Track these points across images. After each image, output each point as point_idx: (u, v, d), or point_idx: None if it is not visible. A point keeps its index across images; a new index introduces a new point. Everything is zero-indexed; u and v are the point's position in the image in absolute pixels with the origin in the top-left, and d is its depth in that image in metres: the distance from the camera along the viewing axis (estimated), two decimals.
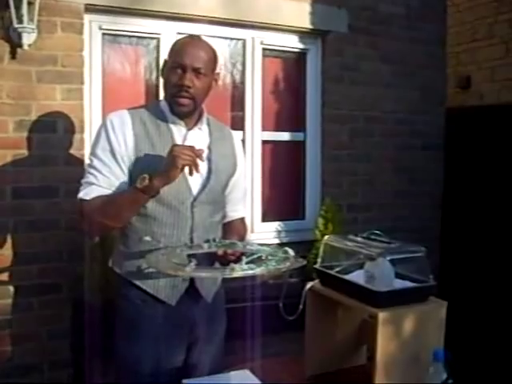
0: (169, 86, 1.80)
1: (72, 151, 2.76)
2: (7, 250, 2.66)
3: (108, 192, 1.73)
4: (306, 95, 3.52)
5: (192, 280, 1.81)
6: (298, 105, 3.53)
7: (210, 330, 1.92)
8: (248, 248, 1.79)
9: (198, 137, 1.86)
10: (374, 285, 1.54)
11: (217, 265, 1.77)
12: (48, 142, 2.71)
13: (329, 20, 3.43)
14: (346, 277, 1.67)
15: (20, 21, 2.50)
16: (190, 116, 1.83)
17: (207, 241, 1.77)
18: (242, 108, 3.33)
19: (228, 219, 2.01)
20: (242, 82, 3.33)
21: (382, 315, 1.48)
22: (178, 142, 1.80)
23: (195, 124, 1.86)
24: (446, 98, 3.97)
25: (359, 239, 1.71)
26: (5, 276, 2.67)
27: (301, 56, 3.51)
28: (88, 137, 2.80)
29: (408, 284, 1.61)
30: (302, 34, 3.43)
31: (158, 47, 3.05)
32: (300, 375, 1.79)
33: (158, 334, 1.78)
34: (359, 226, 3.48)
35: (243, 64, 3.32)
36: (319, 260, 1.78)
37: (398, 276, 1.61)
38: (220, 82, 3.16)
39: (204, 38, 1.91)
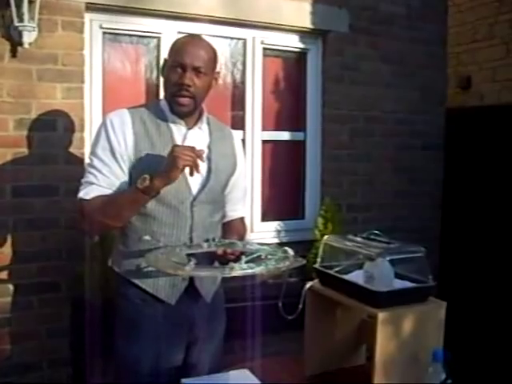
0: (169, 85, 1.80)
1: (72, 150, 2.76)
2: (7, 249, 2.66)
3: (108, 192, 1.73)
4: (306, 95, 3.52)
5: (191, 279, 1.81)
6: (298, 104, 3.53)
7: (210, 329, 1.92)
8: (247, 247, 1.79)
9: (198, 136, 1.86)
10: (373, 285, 1.54)
11: (216, 264, 1.77)
12: (48, 140, 2.71)
13: (329, 20, 3.43)
14: (346, 277, 1.67)
15: (21, 19, 2.50)
16: (190, 115, 1.83)
17: (207, 240, 1.77)
18: (243, 107, 3.33)
19: (228, 219, 2.01)
20: (243, 82, 3.33)
21: (381, 315, 1.48)
22: (178, 141, 1.80)
23: (195, 123, 1.86)
24: (447, 99, 3.97)
25: (359, 239, 1.71)
26: (4, 274, 2.67)
27: (301, 56, 3.51)
28: (88, 135, 2.80)
29: (407, 284, 1.61)
30: (303, 33, 3.43)
31: (158, 46, 3.05)
32: (299, 375, 1.79)
33: (158, 333, 1.78)
34: (359, 225, 3.48)
35: (244, 63, 3.32)
36: (319, 260, 1.78)
37: (398, 276, 1.61)
38: (220, 82, 3.16)
39: (204, 37, 1.91)
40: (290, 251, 1.71)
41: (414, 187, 3.78)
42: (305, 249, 3.00)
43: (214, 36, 3.06)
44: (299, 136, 3.53)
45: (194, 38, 1.87)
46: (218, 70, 1.89)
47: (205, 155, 1.74)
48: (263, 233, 3.36)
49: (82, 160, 2.73)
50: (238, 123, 3.30)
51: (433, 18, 3.81)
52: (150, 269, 1.75)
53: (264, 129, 3.39)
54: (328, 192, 3.45)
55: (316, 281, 1.77)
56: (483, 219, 4.01)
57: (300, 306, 1.73)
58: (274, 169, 3.49)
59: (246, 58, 3.31)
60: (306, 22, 3.36)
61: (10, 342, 2.68)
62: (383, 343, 1.49)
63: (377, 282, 1.53)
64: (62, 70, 2.72)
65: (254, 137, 3.34)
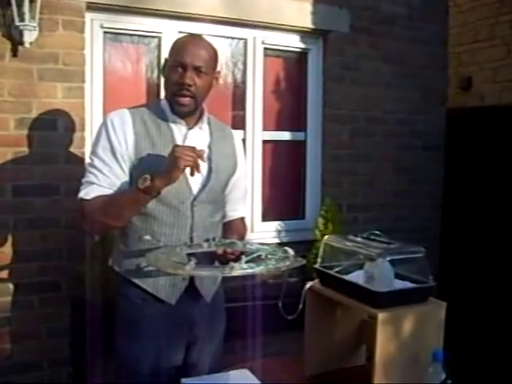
0: (169, 84, 1.80)
1: (72, 149, 2.76)
2: (7, 248, 2.66)
3: (109, 191, 1.73)
4: (306, 95, 3.52)
5: (192, 279, 1.81)
6: (298, 104, 3.54)
7: (210, 329, 1.92)
8: (248, 247, 1.79)
9: (198, 136, 1.86)
10: (373, 285, 1.54)
11: (216, 264, 1.77)
12: (49, 139, 2.71)
13: (330, 20, 3.43)
14: (346, 277, 1.67)
15: (22, 19, 2.50)
16: (190, 115, 1.83)
17: (207, 240, 1.77)
18: (243, 107, 3.33)
19: (228, 219, 2.01)
20: (243, 82, 3.33)
21: (381, 316, 1.48)
22: (179, 141, 1.80)
23: (196, 123, 1.86)
24: (447, 99, 3.97)
25: (359, 239, 1.71)
26: (5, 273, 2.67)
27: (302, 56, 3.51)
28: (89, 135, 2.81)
29: (408, 284, 1.61)
30: (304, 33, 3.43)
31: (159, 46, 3.05)
32: (299, 375, 1.79)
33: (158, 333, 1.79)
34: (359, 225, 3.48)
35: (244, 63, 3.32)
36: (319, 260, 1.79)
37: (398, 276, 1.61)
38: (221, 82, 3.16)
39: (205, 37, 1.91)
40: (291, 251, 1.71)
41: (415, 187, 3.78)
42: (305, 249, 3.01)
43: (214, 36, 3.06)
44: (300, 136, 3.53)
45: (194, 38, 1.87)
46: (218, 69, 1.89)
47: (205, 155, 1.74)
48: (263, 233, 3.36)
49: (82, 159, 2.73)
50: (239, 123, 3.30)
51: (434, 19, 3.81)
52: (150, 268, 1.75)
53: (264, 129, 3.39)
54: (328, 192, 3.45)
55: (316, 281, 1.77)
56: (483, 219, 4.01)
57: (300, 306, 1.73)
58: (274, 169, 3.49)
59: (246, 58, 3.31)
60: (306, 22, 3.36)
61: (10, 342, 2.68)
62: (383, 343, 1.49)
63: (377, 283, 1.53)
64: (63, 69, 2.72)
65: (255, 137, 3.34)
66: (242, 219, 2.08)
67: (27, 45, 2.58)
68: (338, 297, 1.67)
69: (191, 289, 1.82)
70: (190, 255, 1.68)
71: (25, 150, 2.67)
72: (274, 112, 3.47)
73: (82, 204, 1.75)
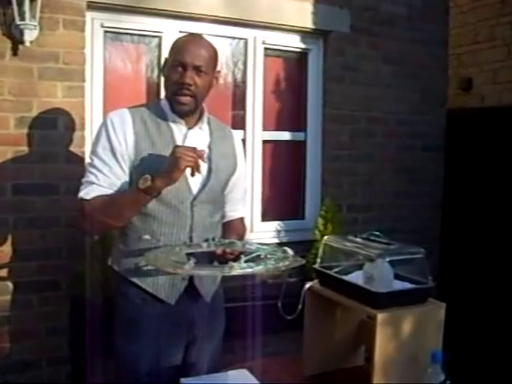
0: (169, 84, 1.80)
1: (72, 148, 2.76)
2: (7, 247, 2.66)
3: (108, 191, 1.73)
4: (307, 95, 3.52)
5: (191, 279, 1.81)
6: (299, 104, 3.53)
7: (209, 329, 1.92)
8: (247, 247, 1.79)
9: (198, 136, 1.86)
10: (372, 286, 1.54)
11: (216, 264, 1.77)
12: (49, 138, 2.71)
13: (331, 20, 3.43)
14: (345, 277, 1.67)
15: (22, 17, 2.50)
16: (190, 115, 1.83)
17: (206, 240, 1.77)
18: (243, 107, 3.33)
19: (227, 219, 2.01)
20: (244, 82, 3.33)
21: (380, 316, 1.48)
22: (179, 141, 1.80)
23: (196, 123, 1.86)
24: (447, 100, 3.97)
25: (359, 240, 1.71)
26: (4, 272, 2.67)
27: (302, 56, 3.51)
28: (89, 134, 2.80)
29: (407, 285, 1.61)
30: (304, 33, 3.43)
31: (159, 45, 3.05)
32: (298, 375, 1.79)
33: (157, 333, 1.79)
34: (359, 226, 3.48)
35: (245, 63, 3.32)
36: (318, 260, 1.79)
37: (397, 277, 1.61)
38: (221, 81, 3.16)
39: (206, 36, 1.91)
40: (290, 251, 1.71)
41: (415, 188, 3.78)
42: (305, 249, 3.00)
43: (215, 35, 3.06)
44: (300, 136, 3.53)
45: (194, 37, 1.87)
46: (218, 69, 1.89)
47: (205, 155, 1.74)
48: (263, 233, 3.36)
49: (82, 159, 2.73)
50: (239, 123, 3.30)
51: (434, 19, 3.81)
52: (149, 268, 1.75)
53: (265, 129, 3.39)
54: (328, 192, 3.45)
55: (316, 281, 1.77)
56: (483, 220, 4.01)
57: (299, 307, 1.73)
58: (274, 169, 3.49)
59: (247, 58, 3.31)
60: (307, 22, 3.36)
61: (9, 340, 2.68)
62: (382, 344, 1.49)
63: (376, 283, 1.53)
64: (63, 68, 2.72)
65: (255, 137, 3.34)
66: (242, 219, 2.08)
67: (27, 44, 2.58)
68: (337, 297, 1.67)
69: (191, 289, 1.82)
70: (189, 255, 1.68)
71: (25, 148, 2.67)
72: (274, 112, 3.47)
73: (81, 204, 1.74)
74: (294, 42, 3.44)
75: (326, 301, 1.72)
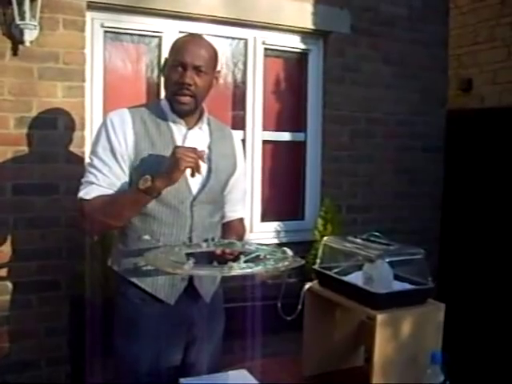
0: (169, 84, 1.80)
1: (72, 148, 2.76)
2: (6, 247, 2.66)
3: (108, 192, 1.73)
4: (307, 95, 3.51)
5: (191, 279, 1.81)
6: (298, 105, 3.53)
7: (209, 329, 1.92)
8: (246, 247, 1.79)
9: (198, 136, 1.86)
10: (372, 286, 1.54)
11: (215, 264, 1.77)
12: (48, 138, 2.71)
13: (331, 20, 3.43)
14: (345, 278, 1.67)
15: (22, 17, 2.50)
16: (190, 115, 1.83)
17: (206, 240, 1.77)
18: (243, 108, 3.33)
19: (227, 219, 2.01)
20: (244, 82, 3.33)
21: (380, 317, 1.48)
22: (178, 141, 1.80)
23: (196, 123, 1.86)
24: (447, 100, 3.97)
25: (358, 241, 1.71)
26: (4, 272, 2.67)
27: (302, 56, 3.51)
28: (89, 134, 2.80)
29: (407, 286, 1.61)
30: (304, 34, 3.43)
31: (159, 45, 3.05)
32: (298, 375, 1.79)
33: (157, 333, 1.79)
34: (359, 226, 3.48)
35: (245, 64, 3.32)
36: (318, 261, 1.79)
37: (397, 278, 1.61)
38: (221, 82, 3.16)
39: (206, 37, 1.91)
40: (289, 251, 1.71)
41: (414, 188, 3.78)
42: (304, 250, 3.00)
43: (215, 36, 3.06)
44: (300, 137, 3.53)
45: (194, 37, 1.87)
46: (218, 69, 1.89)
47: (205, 156, 1.74)
48: (263, 233, 3.36)
49: (82, 159, 2.73)
50: (239, 123, 3.30)
51: (434, 20, 3.81)
52: (149, 268, 1.76)
53: (264, 129, 3.39)
54: (328, 193, 3.45)
55: (315, 282, 1.77)
56: (483, 221, 4.01)
57: (299, 307, 1.73)
58: (274, 169, 3.49)
59: (247, 58, 3.31)
60: (307, 23, 3.36)
61: (8, 340, 2.68)
62: (382, 345, 1.49)
63: (376, 284, 1.53)
64: (63, 68, 2.72)
65: (255, 137, 3.34)
66: (241, 220, 2.08)
67: (27, 44, 2.58)
68: (336, 298, 1.67)
69: (190, 289, 1.82)
70: (188, 255, 1.68)
71: (25, 148, 2.67)
72: (274, 112, 3.47)
73: (81, 204, 1.74)
74: (294, 43, 3.44)
75: (326, 301, 1.72)
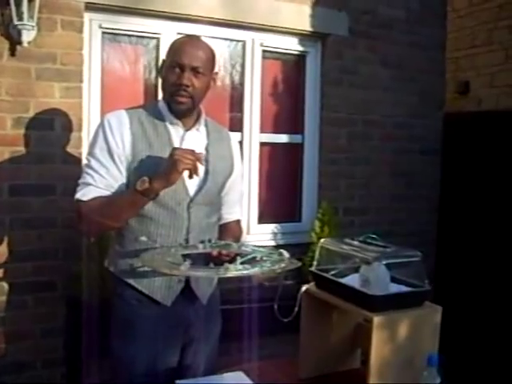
0: (167, 85, 1.80)
1: (69, 149, 2.75)
2: (3, 247, 2.65)
3: (105, 193, 1.72)
4: (304, 98, 3.52)
5: (187, 281, 1.81)
6: (296, 107, 3.54)
7: (205, 331, 1.92)
8: (243, 249, 1.79)
9: (195, 138, 1.86)
10: (369, 289, 1.54)
11: (211, 265, 1.77)
12: (46, 139, 2.70)
13: (329, 23, 3.43)
14: (342, 280, 1.67)
15: (20, 18, 2.50)
16: (188, 116, 1.83)
17: (202, 241, 1.77)
18: (241, 109, 3.33)
19: (223, 221, 2.01)
20: (241, 84, 3.33)
21: (376, 319, 1.48)
22: (176, 142, 1.80)
23: (193, 125, 1.86)
24: (445, 103, 3.98)
25: (355, 243, 1.72)
26: None
27: (300, 58, 3.52)
28: (86, 135, 2.80)
29: (403, 288, 1.61)
30: (302, 36, 3.43)
31: (157, 47, 3.05)
32: (294, 377, 1.78)
33: (153, 335, 1.78)
34: (356, 229, 3.49)
35: (242, 65, 3.32)
36: (315, 263, 1.78)
37: (394, 280, 1.61)
38: (219, 83, 3.16)
39: (204, 38, 1.91)
40: (286, 253, 1.71)
41: (411, 191, 3.79)
42: (301, 252, 3.00)
43: (213, 37, 3.07)
44: (297, 139, 3.53)
45: (192, 39, 1.87)
46: (216, 70, 1.89)
47: (203, 158, 1.74)
48: (260, 235, 3.35)
49: (79, 159, 2.73)
50: (236, 125, 3.30)
51: (432, 23, 3.82)
52: (145, 269, 1.75)
53: (262, 131, 3.39)
54: (325, 195, 3.45)
55: (312, 284, 1.77)
56: (480, 224, 4.02)
57: (296, 309, 1.73)
58: (271, 171, 3.49)
59: (245, 60, 3.31)
60: (305, 25, 3.36)
61: (4, 342, 2.67)
62: (378, 347, 1.49)
63: (373, 286, 1.53)
64: (61, 69, 2.72)
65: (252, 139, 3.34)
66: (238, 222, 2.08)
67: (25, 44, 2.57)
68: (333, 300, 1.67)
69: (187, 290, 1.82)
70: (185, 256, 1.68)
71: (22, 149, 2.66)
72: (272, 114, 3.48)
73: (78, 205, 1.74)
74: (292, 45, 3.44)
75: (323, 303, 1.72)
